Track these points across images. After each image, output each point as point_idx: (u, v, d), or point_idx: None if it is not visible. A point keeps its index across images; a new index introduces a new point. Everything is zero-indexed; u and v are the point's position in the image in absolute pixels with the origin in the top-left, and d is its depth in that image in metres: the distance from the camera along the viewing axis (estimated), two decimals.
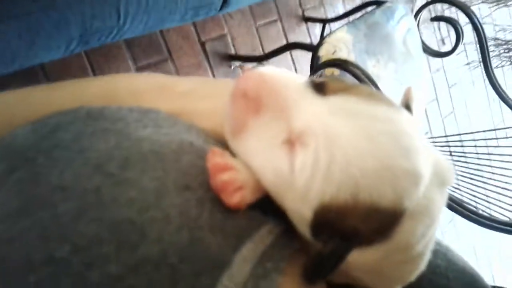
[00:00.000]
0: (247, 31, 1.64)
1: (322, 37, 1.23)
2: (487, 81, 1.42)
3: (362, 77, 0.99)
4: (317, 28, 1.86)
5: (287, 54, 1.75)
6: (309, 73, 1.19)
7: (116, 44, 1.30)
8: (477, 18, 1.30)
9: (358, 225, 0.28)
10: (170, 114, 0.37)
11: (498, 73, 1.41)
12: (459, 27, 1.37)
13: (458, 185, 1.36)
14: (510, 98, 1.36)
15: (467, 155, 1.44)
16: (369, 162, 0.27)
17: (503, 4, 2.43)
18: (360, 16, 1.32)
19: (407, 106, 0.35)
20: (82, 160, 0.28)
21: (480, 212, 1.28)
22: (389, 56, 1.34)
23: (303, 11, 1.83)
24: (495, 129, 2.15)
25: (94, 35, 0.81)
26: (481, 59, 1.40)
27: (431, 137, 1.80)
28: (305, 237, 0.31)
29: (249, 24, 1.64)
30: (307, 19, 1.82)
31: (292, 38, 1.79)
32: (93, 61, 1.28)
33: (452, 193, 1.31)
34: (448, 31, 2.50)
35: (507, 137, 1.58)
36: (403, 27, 1.38)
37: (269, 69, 0.32)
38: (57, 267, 0.23)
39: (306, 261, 0.30)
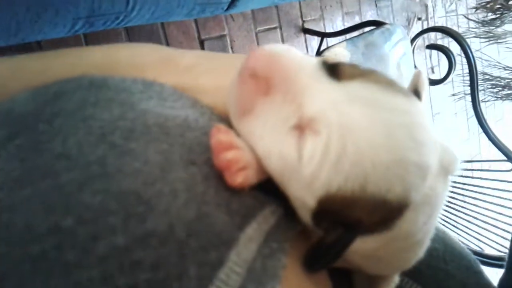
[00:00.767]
0: (247, 35, 1.65)
1: (319, 50, 1.24)
2: (469, 114, 1.46)
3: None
4: (314, 41, 1.88)
5: None
6: None
7: (116, 30, 1.29)
8: (471, 51, 1.34)
9: (363, 216, 0.27)
10: (174, 88, 0.36)
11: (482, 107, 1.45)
12: (452, 58, 1.40)
13: None
14: (492, 132, 1.40)
15: None
16: (383, 155, 0.26)
17: (494, 41, 2.50)
18: (359, 34, 1.34)
19: (416, 92, 0.34)
20: (86, 129, 0.27)
21: None
22: None
23: (303, 22, 1.85)
24: (471, 161, 2.20)
25: (101, 18, 0.80)
26: (469, 91, 1.44)
27: None
28: (306, 223, 0.30)
29: (249, 28, 1.65)
30: (306, 31, 1.84)
31: None
32: (90, 43, 1.27)
33: None
34: (439, 60, 2.56)
35: (482, 170, 1.61)
36: (399, 51, 1.40)
37: (281, 47, 0.30)
38: (61, 238, 0.22)
39: (307, 249, 0.30)
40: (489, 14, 2.49)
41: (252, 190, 0.30)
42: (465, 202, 1.48)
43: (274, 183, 0.30)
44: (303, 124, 0.28)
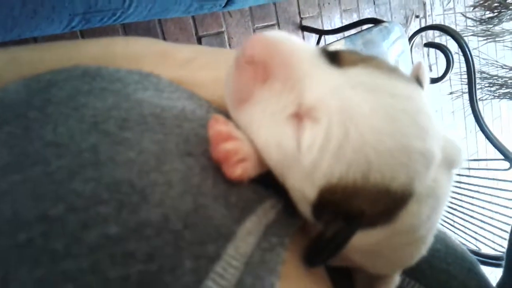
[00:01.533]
0: (244, 32, 1.64)
1: None
2: (467, 112, 1.46)
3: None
4: (312, 39, 1.88)
5: None
6: None
7: (113, 26, 1.28)
8: (469, 49, 1.34)
9: (365, 207, 0.26)
10: (171, 81, 0.35)
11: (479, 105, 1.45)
12: (450, 56, 1.40)
13: None
14: (489, 130, 1.40)
15: None
16: (386, 142, 0.25)
17: (492, 39, 2.51)
18: (357, 32, 1.34)
19: (418, 81, 0.33)
20: (78, 117, 0.26)
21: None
22: None
23: (301, 20, 1.84)
24: (468, 160, 2.20)
25: (98, 14, 0.80)
26: (467, 90, 1.44)
27: None
28: (306, 216, 0.29)
29: (247, 25, 1.65)
30: (304, 28, 1.84)
31: None
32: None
33: None
34: (436, 58, 2.56)
35: (479, 169, 1.62)
36: (397, 48, 1.40)
37: (280, 34, 0.29)
38: (50, 226, 0.21)
39: (307, 243, 0.29)
40: (487, 12, 2.49)
41: (252, 183, 0.29)
42: (462, 201, 1.48)
43: (274, 177, 0.30)
44: (302, 112, 0.27)
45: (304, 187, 0.27)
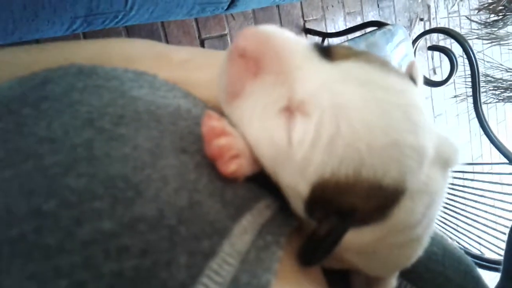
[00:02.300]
0: None
1: None
2: (471, 116, 1.45)
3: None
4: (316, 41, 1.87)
5: None
6: None
7: (116, 29, 1.29)
8: (473, 52, 1.33)
9: (357, 202, 0.26)
10: (166, 80, 0.35)
11: (483, 109, 1.44)
12: (454, 59, 1.39)
13: None
14: (493, 134, 1.39)
15: None
16: (378, 137, 0.25)
17: (496, 42, 2.50)
18: (361, 35, 1.34)
19: (411, 78, 0.33)
20: (73, 113, 0.26)
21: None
22: None
23: (304, 22, 1.84)
24: (472, 163, 2.20)
25: (99, 17, 0.80)
26: (471, 93, 1.43)
27: None
28: (300, 215, 0.29)
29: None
30: (307, 31, 1.84)
31: None
32: None
33: None
34: (441, 61, 2.56)
35: (483, 172, 1.61)
36: (400, 51, 1.39)
37: (272, 28, 0.29)
38: (42, 221, 0.21)
39: (301, 243, 0.29)
40: (492, 15, 2.48)
41: (247, 183, 0.29)
42: (465, 205, 1.47)
43: (269, 178, 0.29)
44: (293, 106, 0.27)
45: (296, 184, 0.27)
